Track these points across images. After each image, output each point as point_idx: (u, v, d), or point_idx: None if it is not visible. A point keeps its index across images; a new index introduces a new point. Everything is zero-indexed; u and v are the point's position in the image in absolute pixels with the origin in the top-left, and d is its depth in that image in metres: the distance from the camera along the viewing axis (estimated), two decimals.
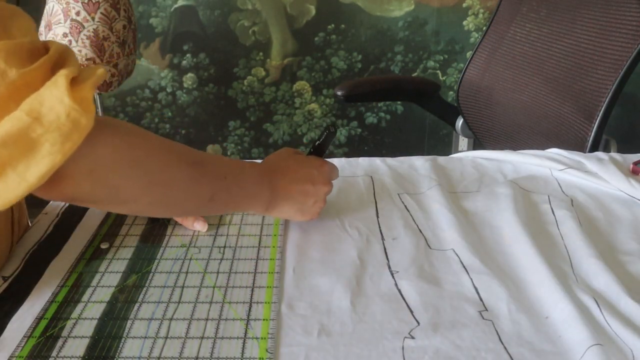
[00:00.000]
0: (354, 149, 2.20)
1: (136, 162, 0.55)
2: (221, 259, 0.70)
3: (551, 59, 1.29)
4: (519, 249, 0.70)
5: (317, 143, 0.78)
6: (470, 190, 0.86)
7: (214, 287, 0.65)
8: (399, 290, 0.64)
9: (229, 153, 2.19)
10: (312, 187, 0.73)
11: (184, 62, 2.04)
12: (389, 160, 0.95)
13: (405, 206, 0.81)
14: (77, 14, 1.49)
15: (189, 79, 2.07)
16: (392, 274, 0.67)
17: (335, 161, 0.95)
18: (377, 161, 0.95)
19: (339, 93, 1.50)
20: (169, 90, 2.08)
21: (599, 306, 0.60)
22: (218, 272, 0.68)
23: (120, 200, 0.58)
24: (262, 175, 0.70)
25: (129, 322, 0.60)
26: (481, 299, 0.63)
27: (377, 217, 0.79)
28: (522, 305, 0.62)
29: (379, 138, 2.19)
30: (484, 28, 1.50)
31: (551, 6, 1.32)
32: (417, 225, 0.77)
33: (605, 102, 1.13)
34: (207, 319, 0.60)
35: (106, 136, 0.52)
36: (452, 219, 0.76)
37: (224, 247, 0.73)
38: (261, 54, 2.04)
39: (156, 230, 0.76)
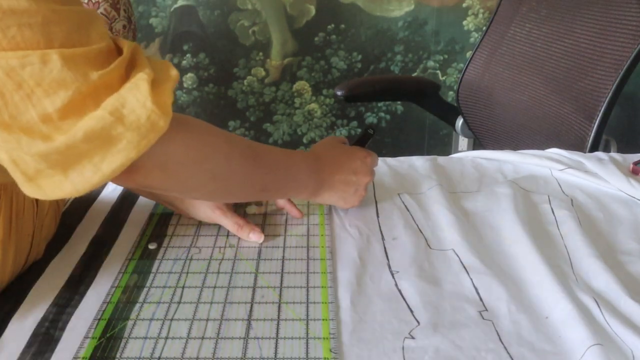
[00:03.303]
0: None
1: (204, 158, 0.60)
2: (221, 259, 0.70)
3: (551, 59, 1.29)
4: (519, 249, 0.71)
5: (357, 140, 0.85)
6: (470, 190, 0.86)
7: (214, 288, 0.65)
8: (399, 290, 0.64)
9: None
10: (354, 178, 0.77)
11: (184, 62, 2.05)
12: (389, 160, 0.95)
13: (405, 206, 0.81)
14: None
15: (189, 79, 2.07)
16: (392, 274, 0.67)
17: None
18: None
19: (339, 93, 1.50)
20: None
21: (599, 306, 0.60)
22: (218, 273, 0.68)
23: (184, 189, 0.63)
24: (309, 165, 0.75)
25: (130, 322, 0.60)
26: (481, 299, 0.63)
27: (377, 217, 0.79)
28: (522, 305, 0.62)
29: (379, 138, 2.19)
30: (484, 28, 1.50)
31: (551, 6, 1.32)
32: (417, 225, 0.77)
33: (605, 102, 1.13)
34: (207, 319, 0.60)
35: (180, 135, 0.56)
36: (452, 219, 0.76)
37: (225, 247, 0.73)
38: (261, 54, 2.04)
39: (157, 230, 0.76)
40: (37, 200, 0.67)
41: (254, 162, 0.66)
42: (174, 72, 0.56)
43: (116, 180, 0.54)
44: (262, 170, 0.67)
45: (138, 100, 0.51)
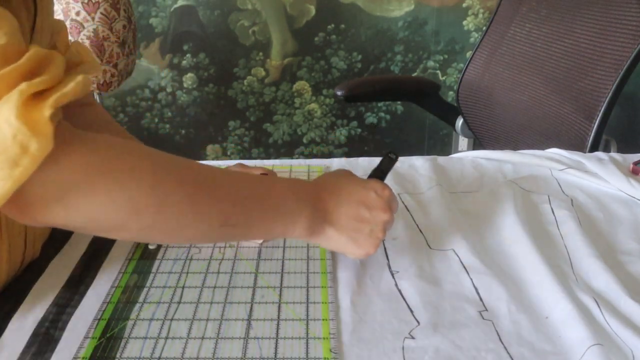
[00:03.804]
0: (354, 149, 2.20)
1: (117, 188, 0.48)
2: (221, 259, 0.70)
3: (551, 59, 1.29)
4: (519, 249, 0.71)
5: (376, 168, 0.70)
6: (470, 190, 0.86)
7: (214, 288, 0.65)
8: (399, 290, 0.64)
9: (228, 153, 2.19)
10: (367, 213, 0.61)
11: (184, 62, 2.05)
12: None
13: (405, 206, 0.81)
14: (77, 14, 1.49)
15: (189, 79, 2.07)
16: (392, 274, 0.67)
17: (335, 161, 0.96)
18: (378, 161, 0.95)
19: (339, 93, 1.50)
20: (169, 90, 2.08)
21: (599, 306, 0.60)
22: (218, 273, 0.68)
23: (105, 229, 0.51)
24: (301, 193, 0.60)
25: (130, 322, 0.60)
26: (481, 299, 0.63)
27: None
28: (522, 305, 0.62)
29: (379, 138, 2.19)
30: (484, 28, 1.50)
31: (551, 6, 1.32)
32: (417, 225, 0.77)
33: (605, 102, 1.13)
34: (207, 319, 0.60)
35: (77, 158, 0.46)
36: (452, 219, 0.76)
37: (225, 247, 0.73)
38: (261, 54, 2.04)
39: None
40: None
41: (203, 188, 0.53)
42: (72, 85, 0.45)
43: (16, 217, 0.46)
44: (220, 200, 0.54)
45: (2, 116, 0.41)
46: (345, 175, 0.65)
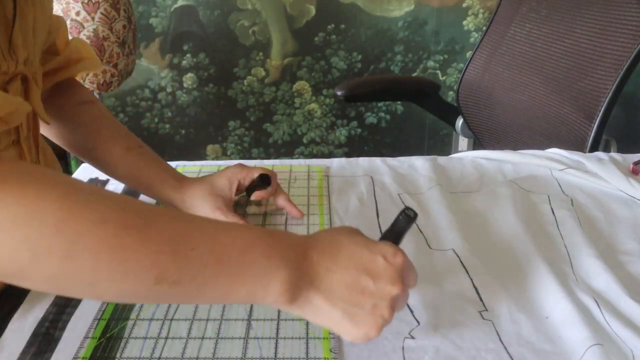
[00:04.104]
0: (354, 149, 2.20)
1: (9, 222, 0.39)
2: None
3: (551, 59, 1.29)
4: (519, 249, 0.71)
5: (389, 228, 0.56)
6: (470, 190, 0.86)
7: None
8: None
9: (228, 153, 2.19)
10: (371, 283, 0.48)
11: (184, 62, 2.05)
12: (389, 160, 0.95)
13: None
14: (77, 14, 1.49)
15: (189, 79, 2.07)
16: None
17: (335, 161, 0.95)
18: (377, 161, 0.95)
19: (339, 93, 1.50)
20: (169, 90, 2.08)
21: (599, 306, 0.60)
22: None
23: (2, 274, 0.42)
24: (279, 248, 0.47)
25: (130, 322, 0.60)
26: (481, 299, 0.63)
27: (377, 217, 0.79)
28: (522, 305, 0.62)
29: (379, 138, 2.19)
30: (484, 28, 1.50)
31: (551, 6, 1.32)
32: (417, 225, 0.77)
33: (605, 102, 1.13)
34: (207, 319, 0.60)
35: None
36: (452, 219, 0.76)
37: None
38: (261, 54, 2.04)
39: None
40: None
41: (130, 233, 0.42)
42: None
43: None
44: (155, 248, 0.42)
45: None
46: (349, 233, 0.52)
